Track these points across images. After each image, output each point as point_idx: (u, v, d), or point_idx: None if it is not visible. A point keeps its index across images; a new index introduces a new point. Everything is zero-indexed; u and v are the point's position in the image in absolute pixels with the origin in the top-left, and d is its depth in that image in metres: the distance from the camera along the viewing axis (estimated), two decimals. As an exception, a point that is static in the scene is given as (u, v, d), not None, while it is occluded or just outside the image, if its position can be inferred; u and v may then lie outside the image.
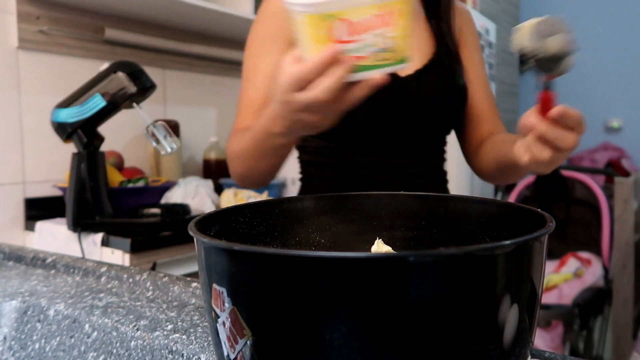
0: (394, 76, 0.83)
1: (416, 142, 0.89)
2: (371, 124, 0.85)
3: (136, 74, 1.34)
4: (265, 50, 0.87)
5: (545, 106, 0.61)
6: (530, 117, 0.62)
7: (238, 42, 2.32)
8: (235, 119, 0.90)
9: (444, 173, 0.98)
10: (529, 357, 0.32)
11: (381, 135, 0.86)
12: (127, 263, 1.29)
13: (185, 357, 0.46)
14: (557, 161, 0.63)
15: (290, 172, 2.14)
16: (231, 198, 1.70)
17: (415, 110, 0.86)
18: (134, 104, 1.36)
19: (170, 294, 0.63)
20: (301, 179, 0.98)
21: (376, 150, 0.87)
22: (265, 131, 0.69)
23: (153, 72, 1.50)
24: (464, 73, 0.95)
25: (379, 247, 0.45)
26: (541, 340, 1.58)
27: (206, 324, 0.52)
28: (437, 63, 0.89)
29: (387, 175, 0.88)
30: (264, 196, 1.79)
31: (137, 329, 0.51)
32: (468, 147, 0.97)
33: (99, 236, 1.34)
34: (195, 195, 1.64)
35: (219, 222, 0.41)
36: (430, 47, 0.91)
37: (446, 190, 0.98)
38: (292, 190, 2.14)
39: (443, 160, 0.97)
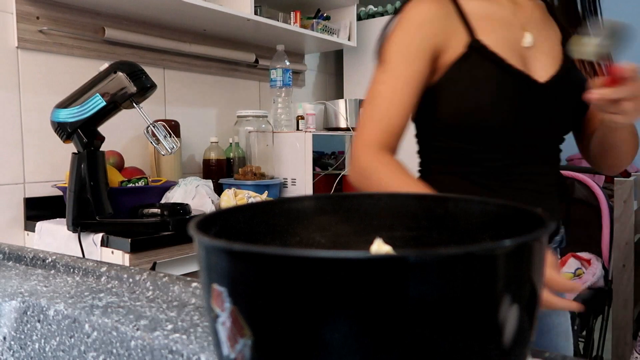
0: (531, 82, 0.85)
1: (546, 147, 0.91)
2: (507, 128, 0.86)
3: (136, 74, 1.34)
4: (412, 57, 0.86)
5: (614, 77, 0.70)
6: (602, 91, 0.70)
7: (238, 42, 2.32)
8: (365, 121, 0.87)
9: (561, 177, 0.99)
10: (529, 357, 0.32)
11: (514, 139, 0.87)
12: (127, 263, 1.29)
13: (185, 357, 0.46)
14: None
15: (290, 173, 2.14)
16: (231, 198, 1.70)
17: (550, 116, 0.88)
18: (134, 104, 1.36)
19: (170, 293, 0.63)
20: (420, 173, 0.97)
21: (506, 154, 0.88)
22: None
23: (153, 72, 1.50)
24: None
25: (379, 247, 0.45)
26: (541, 340, 1.58)
27: (206, 324, 0.52)
28: (567, 69, 0.90)
29: (513, 179, 0.88)
30: (264, 196, 1.79)
31: (137, 329, 0.51)
32: (583, 142, 0.97)
33: (99, 236, 1.34)
34: (195, 195, 1.64)
35: (219, 222, 0.41)
36: (559, 52, 0.91)
37: (555, 195, 0.99)
38: (292, 190, 2.14)
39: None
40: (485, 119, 0.85)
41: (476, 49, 0.86)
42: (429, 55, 0.86)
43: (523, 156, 0.88)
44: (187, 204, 1.48)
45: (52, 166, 1.67)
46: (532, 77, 0.85)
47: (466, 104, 0.86)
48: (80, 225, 1.36)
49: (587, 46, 0.69)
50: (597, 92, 0.70)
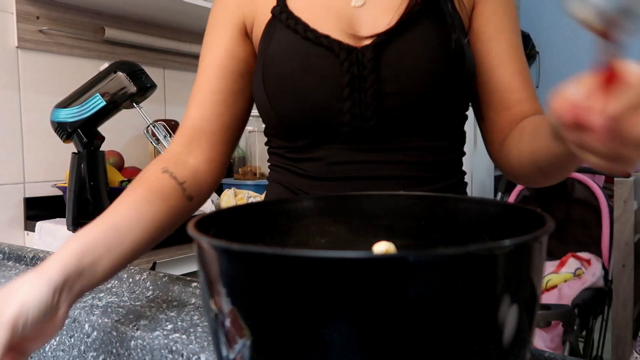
0: (346, 48, 0.66)
1: (392, 133, 0.69)
2: (318, 109, 0.68)
3: (136, 74, 1.34)
4: (213, 35, 0.76)
5: (612, 77, 0.39)
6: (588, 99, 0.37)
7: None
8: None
9: (446, 172, 0.74)
10: (529, 357, 0.32)
11: (343, 125, 0.67)
12: (127, 263, 1.29)
13: (185, 357, 0.46)
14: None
15: (290, 172, 2.14)
16: (231, 198, 1.70)
17: (375, 89, 0.66)
18: (134, 104, 1.36)
19: (170, 293, 0.63)
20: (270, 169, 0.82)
21: (337, 146, 0.69)
22: None
23: (153, 72, 1.50)
24: (475, 39, 0.73)
25: (380, 247, 0.45)
26: (541, 340, 1.58)
27: (206, 323, 0.52)
28: (410, 22, 0.67)
29: (357, 174, 0.69)
30: (263, 196, 1.79)
31: (137, 329, 0.51)
32: (491, 139, 0.74)
33: (98, 236, 1.34)
34: (195, 195, 1.64)
35: (218, 222, 0.41)
36: (404, 5, 0.68)
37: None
38: (292, 190, 2.14)
39: (444, 156, 0.73)
40: (288, 104, 0.68)
41: (279, 16, 0.70)
42: (237, 30, 0.75)
43: (353, 142, 0.68)
44: (187, 204, 1.48)
45: (52, 166, 1.67)
46: (343, 42, 0.66)
47: (268, 88, 0.70)
48: (80, 225, 1.36)
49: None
50: (564, 99, 0.37)
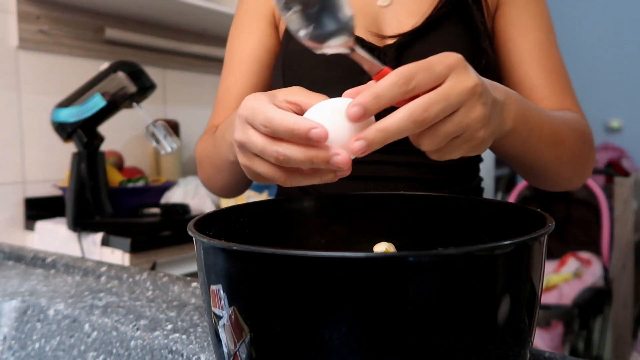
0: (368, 46, 0.66)
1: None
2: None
3: (136, 74, 1.34)
4: (243, 30, 0.75)
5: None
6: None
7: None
8: (212, 112, 0.79)
9: (462, 176, 0.72)
10: (529, 357, 0.32)
11: None
12: (127, 263, 1.29)
13: (185, 357, 0.46)
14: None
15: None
16: (231, 198, 1.70)
17: None
18: (134, 104, 1.36)
19: (170, 293, 0.63)
20: None
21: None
22: (221, 136, 0.59)
23: (153, 72, 1.50)
24: (497, 40, 0.71)
25: (380, 247, 0.45)
26: (541, 340, 1.58)
27: (206, 323, 0.52)
28: (435, 25, 0.67)
29: (370, 174, 0.69)
30: (264, 196, 1.79)
31: (137, 329, 0.51)
32: None
33: (99, 236, 1.34)
34: (195, 195, 1.64)
35: (218, 222, 0.41)
36: (429, 7, 0.67)
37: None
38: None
39: (460, 160, 0.75)
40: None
41: None
42: (268, 22, 0.74)
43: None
44: (187, 204, 1.48)
45: (52, 166, 1.67)
46: (366, 40, 0.66)
47: (287, 82, 0.69)
48: (80, 225, 1.36)
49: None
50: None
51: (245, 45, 0.75)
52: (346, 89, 0.67)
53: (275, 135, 0.39)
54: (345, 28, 0.41)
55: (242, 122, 0.41)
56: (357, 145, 0.36)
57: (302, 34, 0.41)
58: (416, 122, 0.36)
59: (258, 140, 0.39)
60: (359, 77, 0.65)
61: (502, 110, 0.45)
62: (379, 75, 0.39)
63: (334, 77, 0.67)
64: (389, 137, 0.36)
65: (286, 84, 0.69)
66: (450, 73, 0.37)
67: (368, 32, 0.67)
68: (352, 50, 0.41)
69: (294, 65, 0.69)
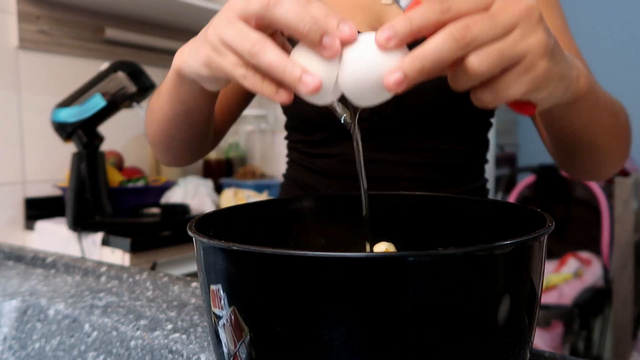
0: None
1: (410, 133, 0.67)
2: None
3: (136, 74, 1.34)
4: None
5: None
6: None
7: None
8: None
9: (464, 177, 0.71)
10: (529, 357, 0.32)
11: (361, 121, 0.64)
12: (127, 263, 1.29)
13: (185, 357, 0.46)
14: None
15: (290, 172, 2.14)
16: (231, 198, 1.70)
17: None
18: (134, 104, 1.36)
19: (170, 293, 0.63)
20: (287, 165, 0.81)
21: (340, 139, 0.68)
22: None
23: (153, 72, 1.50)
24: None
25: (380, 247, 0.45)
26: (541, 340, 1.58)
27: (206, 323, 0.52)
28: None
29: (373, 174, 0.66)
30: (264, 196, 1.79)
31: (137, 329, 0.51)
32: (540, 131, 0.68)
33: (99, 236, 1.34)
34: (195, 195, 1.64)
35: (218, 222, 0.41)
36: None
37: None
38: (292, 190, 2.14)
39: (462, 160, 0.71)
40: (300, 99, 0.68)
41: None
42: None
43: (371, 140, 0.66)
44: (187, 204, 1.48)
45: (52, 166, 1.67)
46: None
47: None
48: (80, 225, 1.36)
49: None
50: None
51: None
52: None
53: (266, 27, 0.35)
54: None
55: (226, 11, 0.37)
56: (392, 78, 0.31)
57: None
58: (457, 41, 0.30)
59: (243, 27, 0.35)
60: None
61: (571, 67, 0.38)
62: (412, 4, 0.35)
63: None
64: (428, 64, 0.31)
65: None
66: None
67: (371, 30, 0.67)
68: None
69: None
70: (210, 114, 0.61)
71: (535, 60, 0.33)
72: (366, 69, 0.32)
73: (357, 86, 0.33)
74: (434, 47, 0.31)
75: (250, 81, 0.36)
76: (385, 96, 0.33)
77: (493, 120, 0.76)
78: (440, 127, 0.68)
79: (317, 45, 0.33)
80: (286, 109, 0.73)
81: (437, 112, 0.67)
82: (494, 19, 0.31)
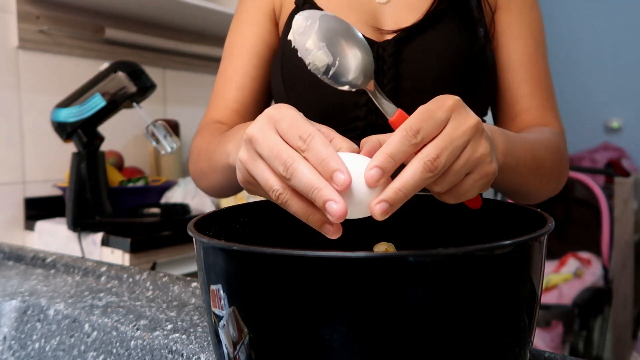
0: (368, 42, 0.66)
1: None
2: (344, 105, 0.67)
3: (136, 74, 1.34)
4: (243, 24, 0.75)
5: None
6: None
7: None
8: (210, 101, 0.78)
9: None
10: (529, 357, 0.32)
11: (358, 120, 0.67)
12: (127, 263, 1.29)
13: (185, 357, 0.46)
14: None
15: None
16: (231, 198, 1.70)
17: (393, 85, 0.65)
18: (134, 104, 1.36)
19: (170, 293, 0.63)
20: None
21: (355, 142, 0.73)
22: (227, 138, 0.58)
23: (153, 72, 1.50)
24: (496, 43, 0.72)
25: (380, 247, 0.45)
26: (541, 340, 1.58)
27: (206, 323, 0.52)
28: (434, 20, 0.66)
29: None
30: (264, 196, 1.79)
31: (137, 329, 0.51)
32: None
33: (98, 236, 1.34)
34: (195, 195, 1.64)
35: (218, 222, 0.41)
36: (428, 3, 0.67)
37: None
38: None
39: None
40: (305, 95, 0.68)
41: (301, 7, 0.70)
42: (268, 17, 0.74)
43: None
44: (187, 204, 1.48)
45: (52, 166, 1.67)
46: (365, 36, 0.66)
47: (285, 79, 0.70)
48: (80, 225, 1.36)
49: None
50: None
51: (245, 38, 0.75)
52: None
53: (298, 150, 0.37)
54: (366, 69, 0.42)
55: (266, 120, 0.39)
56: (379, 208, 0.36)
57: (325, 71, 0.42)
58: (431, 171, 0.36)
59: (277, 142, 0.37)
60: None
61: (494, 147, 0.45)
62: (396, 119, 0.41)
63: None
64: (409, 193, 0.36)
65: (285, 80, 0.70)
66: (450, 116, 0.38)
67: (367, 27, 0.68)
68: (372, 91, 0.43)
69: (293, 60, 0.69)
70: None
71: (485, 167, 0.40)
72: (356, 192, 0.37)
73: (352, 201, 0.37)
74: (413, 179, 0.36)
75: (286, 204, 0.39)
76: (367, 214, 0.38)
77: (486, 118, 0.76)
78: None
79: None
80: None
81: None
82: (454, 144, 0.37)
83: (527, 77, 0.71)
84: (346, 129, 0.68)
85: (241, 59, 0.74)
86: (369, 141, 0.41)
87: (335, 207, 0.34)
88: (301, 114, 0.40)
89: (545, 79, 0.72)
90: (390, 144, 0.37)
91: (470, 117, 0.39)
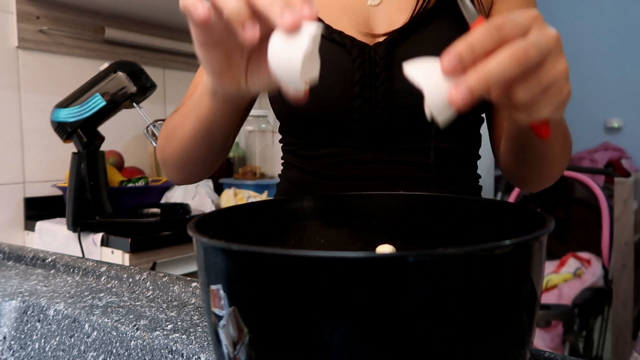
0: (358, 45, 0.65)
1: (402, 133, 0.68)
2: (338, 108, 0.67)
3: (136, 74, 1.34)
4: None
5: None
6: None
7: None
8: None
9: (457, 175, 0.72)
10: (529, 357, 0.32)
11: (353, 123, 0.67)
12: (127, 263, 1.29)
13: (185, 357, 0.46)
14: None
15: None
16: (231, 198, 1.70)
17: (386, 87, 0.65)
18: (134, 104, 1.36)
19: (170, 293, 0.63)
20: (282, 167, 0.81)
21: (347, 144, 0.68)
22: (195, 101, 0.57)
23: (153, 72, 1.50)
24: None
25: (382, 248, 0.45)
26: (541, 340, 1.58)
27: (206, 323, 0.52)
28: (426, 21, 0.66)
29: (365, 173, 0.68)
30: (264, 196, 1.79)
31: (137, 329, 0.51)
32: (494, 142, 0.73)
33: (98, 236, 1.34)
34: (195, 195, 1.64)
35: (218, 222, 0.41)
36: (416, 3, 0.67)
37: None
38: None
39: (456, 158, 0.71)
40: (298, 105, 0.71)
41: None
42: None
43: (363, 141, 0.68)
44: (187, 204, 1.48)
45: (52, 166, 1.67)
46: (357, 39, 0.66)
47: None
48: (80, 225, 1.36)
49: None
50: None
51: None
52: (335, 88, 0.66)
53: None
54: None
55: None
56: (459, 94, 0.33)
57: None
58: (520, 64, 0.34)
59: None
60: (349, 75, 0.65)
61: None
62: (475, 24, 0.39)
63: (325, 77, 0.66)
64: (491, 80, 0.33)
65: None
66: (532, 24, 0.36)
67: (359, 31, 0.68)
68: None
69: None
70: (231, 133, 0.63)
71: (562, 85, 0.37)
72: (433, 90, 0.35)
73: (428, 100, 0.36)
74: (499, 67, 0.33)
75: (247, 35, 0.38)
76: (449, 114, 0.36)
77: (484, 115, 0.76)
78: (432, 125, 0.68)
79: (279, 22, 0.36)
80: (279, 113, 0.73)
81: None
82: (540, 47, 0.35)
83: None
84: (341, 133, 0.68)
85: None
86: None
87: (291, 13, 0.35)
88: None
89: None
90: (471, 35, 0.35)
91: (551, 29, 0.37)
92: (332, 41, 0.66)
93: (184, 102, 0.73)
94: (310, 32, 0.36)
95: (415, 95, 0.65)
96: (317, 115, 0.68)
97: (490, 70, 0.34)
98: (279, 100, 0.70)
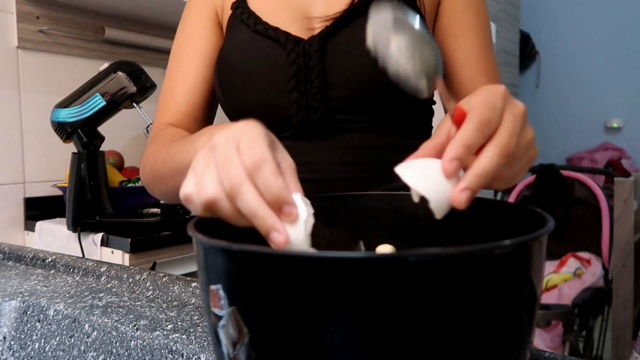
0: (293, 40, 0.66)
1: (341, 128, 0.68)
2: (276, 104, 0.67)
3: (136, 74, 1.34)
4: (190, 29, 0.76)
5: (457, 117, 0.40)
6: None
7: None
8: (158, 106, 0.77)
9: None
10: (529, 357, 0.32)
11: (291, 117, 0.67)
12: (127, 263, 1.29)
13: (185, 357, 0.46)
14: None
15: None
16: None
17: (320, 80, 0.65)
18: (134, 104, 1.36)
19: (170, 293, 0.63)
20: None
21: (288, 137, 0.68)
22: (192, 144, 0.55)
23: (153, 72, 1.50)
24: (442, 36, 0.72)
25: (382, 248, 0.45)
26: (541, 340, 1.58)
27: (206, 323, 0.52)
28: (361, 12, 0.66)
29: (305, 171, 0.67)
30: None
31: (137, 329, 0.51)
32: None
33: (98, 236, 1.34)
34: (195, 195, 1.64)
35: (218, 222, 0.41)
36: None
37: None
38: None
39: (402, 154, 0.70)
40: (239, 96, 0.69)
41: (235, 12, 0.72)
42: (213, 22, 0.75)
43: (303, 134, 0.68)
44: (187, 204, 1.48)
45: (52, 166, 1.67)
46: (291, 34, 0.67)
47: (221, 79, 0.71)
48: (80, 225, 1.36)
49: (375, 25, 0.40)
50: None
51: (194, 40, 0.75)
52: (272, 84, 0.67)
53: (253, 180, 0.36)
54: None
55: (233, 132, 0.38)
56: (464, 196, 0.36)
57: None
58: (507, 156, 0.38)
59: (231, 157, 0.36)
60: (285, 70, 0.66)
61: None
62: (456, 114, 0.40)
63: (262, 73, 0.67)
64: (489, 178, 0.37)
65: (220, 81, 0.71)
66: (505, 104, 0.40)
67: (297, 25, 0.68)
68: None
69: (227, 62, 0.70)
70: None
71: (532, 151, 0.42)
72: (435, 191, 0.37)
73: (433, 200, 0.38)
74: (492, 164, 0.37)
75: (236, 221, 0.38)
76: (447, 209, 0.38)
77: (434, 107, 0.76)
78: (372, 119, 0.68)
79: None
80: (224, 110, 0.74)
81: (365, 102, 0.67)
82: (516, 130, 0.39)
83: (483, 69, 0.71)
84: (280, 128, 0.68)
85: (191, 60, 0.74)
86: (423, 146, 0.42)
87: (278, 236, 0.34)
88: (270, 135, 0.40)
89: (496, 69, 0.74)
90: (464, 135, 0.37)
91: (519, 103, 0.41)
92: (267, 37, 0.67)
93: (174, 70, 0.75)
94: (302, 217, 0.37)
95: (352, 87, 0.66)
96: (256, 111, 0.68)
97: (485, 168, 0.37)
98: (221, 97, 0.72)
